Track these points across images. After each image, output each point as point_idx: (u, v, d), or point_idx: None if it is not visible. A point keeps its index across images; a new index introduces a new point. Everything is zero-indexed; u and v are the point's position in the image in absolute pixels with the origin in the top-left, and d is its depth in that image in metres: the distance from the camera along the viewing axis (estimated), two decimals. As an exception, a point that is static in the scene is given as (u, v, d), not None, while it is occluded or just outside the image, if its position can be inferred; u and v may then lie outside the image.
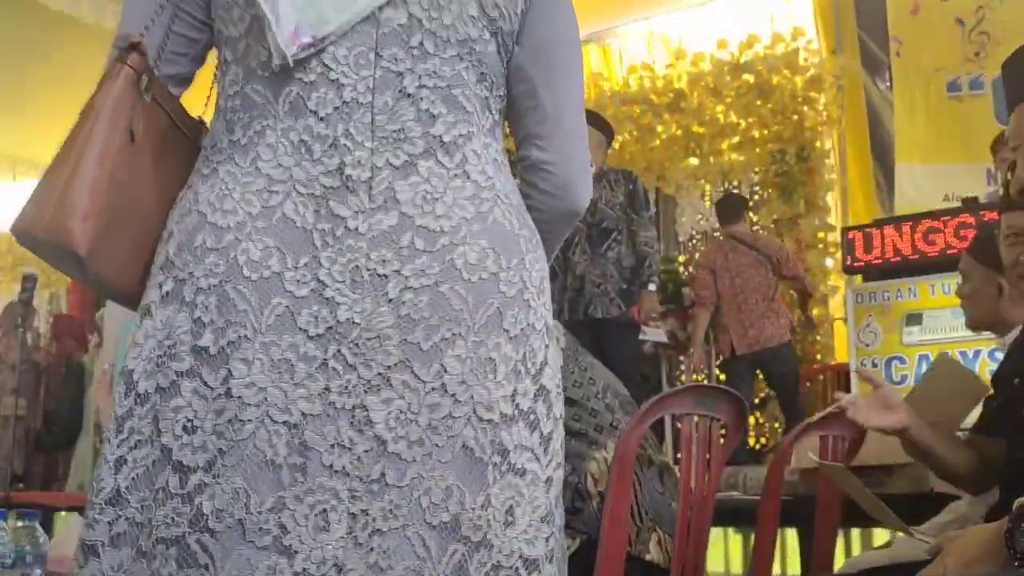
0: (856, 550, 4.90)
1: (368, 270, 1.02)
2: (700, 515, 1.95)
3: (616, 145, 6.70)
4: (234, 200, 1.05)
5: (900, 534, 2.07)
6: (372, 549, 0.99)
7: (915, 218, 4.56)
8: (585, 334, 4.13)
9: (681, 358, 6.51)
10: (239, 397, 1.00)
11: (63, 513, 4.94)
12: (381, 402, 1.01)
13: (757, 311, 5.48)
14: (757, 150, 6.72)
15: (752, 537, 2.27)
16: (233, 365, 1.00)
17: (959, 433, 2.01)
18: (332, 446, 1.00)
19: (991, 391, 1.90)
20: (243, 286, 1.02)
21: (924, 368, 3.80)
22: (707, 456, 1.99)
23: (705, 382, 6.12)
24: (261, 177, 1.05)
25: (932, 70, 6.10)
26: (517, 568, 1.04)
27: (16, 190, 10.82)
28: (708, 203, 6.93)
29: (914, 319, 3.88)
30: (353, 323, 1.02)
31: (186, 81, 1.19)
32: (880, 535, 4.13)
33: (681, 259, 7.00)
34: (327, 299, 1.02)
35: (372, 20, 1.06)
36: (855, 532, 4.80)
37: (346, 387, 1.01)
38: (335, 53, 1.05)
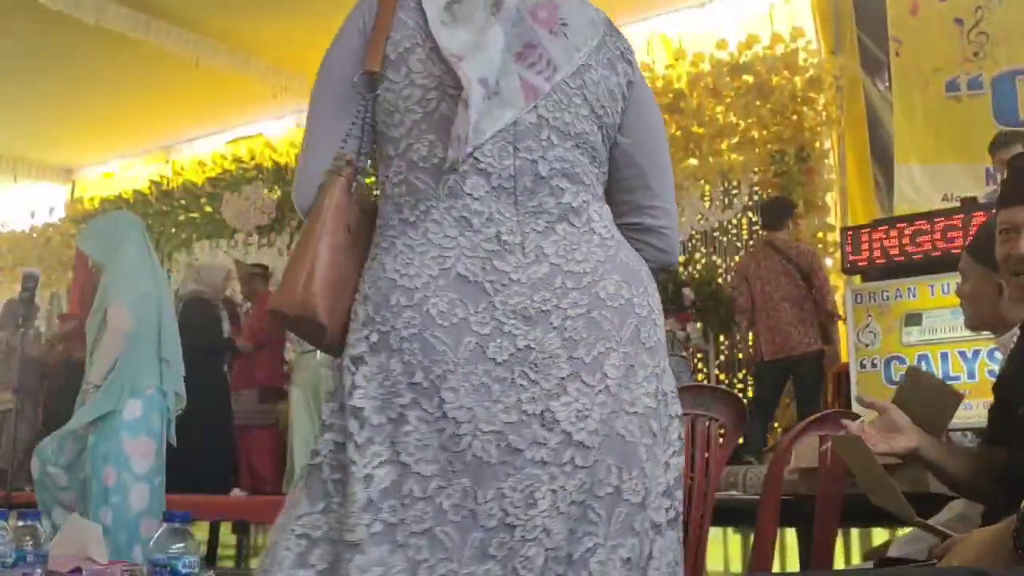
0: (856, 550, 4.91)
1: (534, 308, 1.32)
2: (700, 514, 1.96)
3: (616, 145, 6.71)
4: (416, 266, 1.33)
5: (900, 533, 2.08)
6: (571, 516, 1.28)
7: (914, 218, 4.57)
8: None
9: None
10: (453, 418, 1.28)
11: (63, 513, 4.94)
12: (562, 405, 1.29)
13: (785, 318, 5.56)
14: (757, 150, 6.73)
15: (752, 537, 2.28)
16: (444, 394, 1.28)
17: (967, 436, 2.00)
18: (531, 444, 1.28)
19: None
20: (439, 332, 1.30)
21: (923, 368, 3.80)
22: (706, 455, 2.00)
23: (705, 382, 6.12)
24: (433, 247, 1.34)
25: (931, 70, 6.11)
26: (647, 530, 1.33)
27: (17, 191, 10.81)
28: (708, 203, 6.94)
29: (913, 319, 3.87)
30: (529, 348, 1.30)
31: (367, 172, 1.49)
32: (879, 534, 4.13)
33: (681, 259, 7.00)
34: (506, 332, 1.30)
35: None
36: (855, 532, 4.81)
37: (533, 398, 1.29)
38: (483, 148, 1.36)
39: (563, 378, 1.30)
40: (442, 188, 1.35)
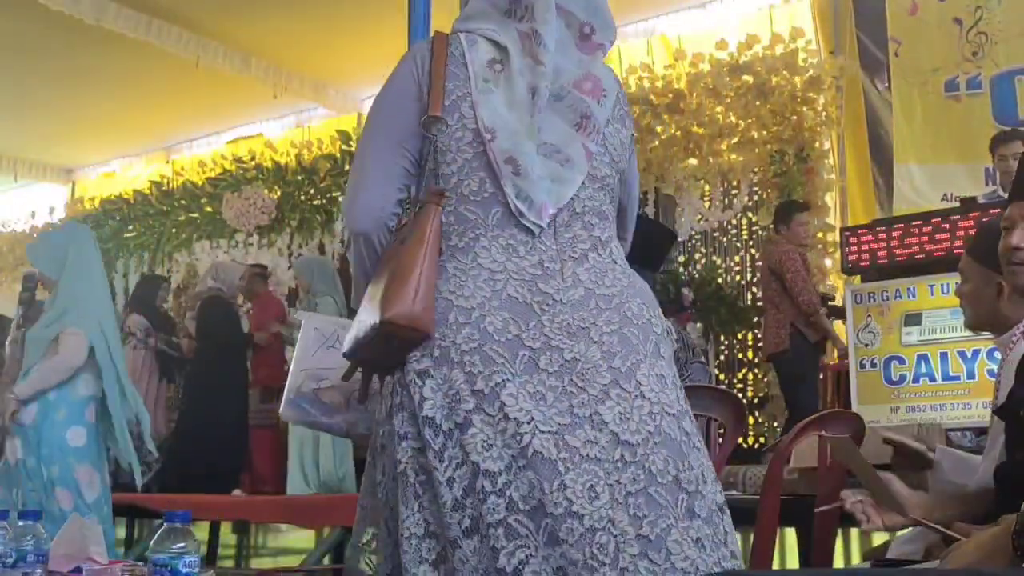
0: (855, 550, 4.91)
1: (575, 325, 1.51)
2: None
3: (615, 145, 6.70)
4: (470, 288, 1.52)
5: (899, 533, 2.08)
6: (630, 505, 1.44)
7: (913, 218, 4.58)
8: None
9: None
10: (515, 418, 1.45)
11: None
12: (608, 409, 1.48)
13: (767, 320, 5.73)
14: (756, 150, 6.73)
15: (751, 537, 2.28)
16: (504, 399, 1.46)
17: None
18: (584, 442, 1.45)
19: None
20: (496, 346, 1.49)
21: (923, 368, 3.81)
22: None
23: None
24: (484, 270, 1.53)
25: (930, 70, 6.11)
26: (714, 511, 1.52)
27: (17, 191, 10.81)
28: (708, 203, 6.94)
29: (913, 319, 3.88)
30: (575, 360, 1.49)
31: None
32: (879, 535, 4.13)
33: (681, 259, 7.01)
34: (554, 347, 1.49)
35: None
36: (854, 532, 4.80)
37: (583, 402, 1.48)
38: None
39: (605, 385, 1.49)
40: (491, 218, 1.55)
